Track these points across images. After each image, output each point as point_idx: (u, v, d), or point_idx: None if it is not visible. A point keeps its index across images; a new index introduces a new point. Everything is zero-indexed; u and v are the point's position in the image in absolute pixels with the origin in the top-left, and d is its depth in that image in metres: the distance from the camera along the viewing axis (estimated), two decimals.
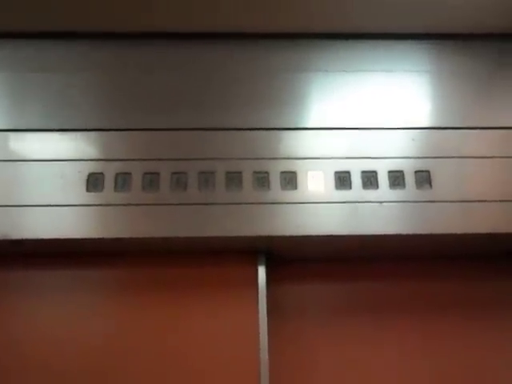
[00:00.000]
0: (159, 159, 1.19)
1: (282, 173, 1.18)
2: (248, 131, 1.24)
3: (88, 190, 1.16)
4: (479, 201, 1.15)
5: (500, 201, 1.16)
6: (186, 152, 1.20)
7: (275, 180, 1.17)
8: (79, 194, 1.16)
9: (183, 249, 1.20)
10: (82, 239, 1.14)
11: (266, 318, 1.14)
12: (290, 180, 1.18)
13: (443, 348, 1.17)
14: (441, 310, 1.21)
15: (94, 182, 1.17)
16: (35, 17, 1.30)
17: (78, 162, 1.19)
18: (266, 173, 1.18)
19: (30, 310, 1.17)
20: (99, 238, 1.13)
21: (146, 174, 1.18)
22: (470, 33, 1.40)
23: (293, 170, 1.19)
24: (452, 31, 1.41)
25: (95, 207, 1.15)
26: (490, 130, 1.24)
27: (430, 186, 1.17)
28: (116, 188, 1.16)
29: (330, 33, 1.40)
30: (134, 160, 1.19)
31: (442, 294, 1.22)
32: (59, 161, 1.20)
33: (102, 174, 1.17)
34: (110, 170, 1.18)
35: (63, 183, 1.17)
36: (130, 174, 1.18)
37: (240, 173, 1.18)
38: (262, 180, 1.18)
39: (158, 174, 1.18)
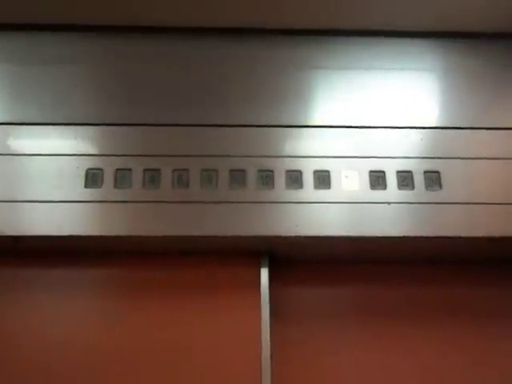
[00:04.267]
0: (160, 155, 1.15)
1: (288, 171, 1.15)
2: (244, 128, 1.20)
3: (86, 186, 1.12)
4: (489, 203, 1.12)
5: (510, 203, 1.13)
6: (187, 148, 1.17)
7: (280, 179, 1.14)
8: (77, 190, 1.12)
9: (184, 248, 1.17)
10: (80, 236, 1.10)
11: (268, 321, 1.10)
12: (295, 179, 1.15)
13: (448, 352, 1.14)
14: (448, 314, 1.17)
15: (92, 177, 1.13)
16: (30, 9, 1.26)
17: (76, 157, 1.15)
18: (271, 171, 1.15)
19: (26, 308, 1.13)
20: (97, 236, 1.10)
21: (146, 170, 1.14)
22: (478, 31, 1.37)
23: (298, 169, 1.15)
24: (461, 29, 1.37)
25: (94, 204, 1.11)
26: (499, 131, 1.21)
27: (440, 187, 1.14)
28: (116, 184, 1.13)
29: (341, 29, 1.36)
30: (134, 156, 1.15)
31: (450, 298, 1.19)
32: (57, 155, 1.16)
33: (101, 169, 1.14)
34: (109, 166, 1.14)
35: (61, 179, 1.13)
36: (130, 170, 1.14)
37: (244, 171, 1.15)
38: (267, 179, 1.14)
39: (158, 170, 1.14)
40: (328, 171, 1.15)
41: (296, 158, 1.16)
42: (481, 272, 1.21)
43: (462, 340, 1.15)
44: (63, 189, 1.12)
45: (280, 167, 1.15)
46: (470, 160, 1.16)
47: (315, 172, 1.15)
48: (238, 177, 1.14)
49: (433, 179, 1.15)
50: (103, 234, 1.10)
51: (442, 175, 1.14)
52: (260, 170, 1.15)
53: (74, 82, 1.24)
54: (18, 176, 1.14)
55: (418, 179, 1.14)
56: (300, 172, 1.15)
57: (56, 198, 1.12)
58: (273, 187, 1.13)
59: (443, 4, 1.27)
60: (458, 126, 1.22)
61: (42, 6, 1.25)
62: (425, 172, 1.15)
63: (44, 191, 1.12)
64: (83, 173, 1.13)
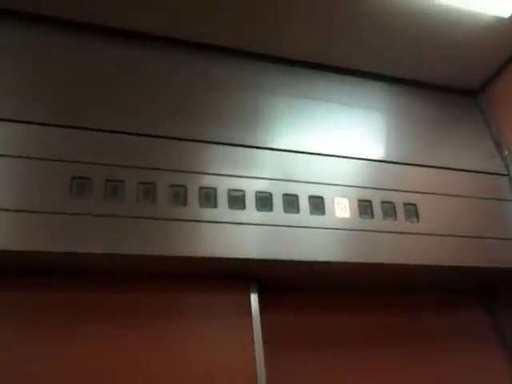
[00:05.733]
0: (156, 169, 1.08)
1: (284, 195, 1.15)
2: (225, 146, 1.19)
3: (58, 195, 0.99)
4: (457, 236, 1.24)
5: (472, 237, 1.26)
6: (185, 165, 1.11)
7: (278, 201, 1.13)
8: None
9: (168, 270, 1.08)
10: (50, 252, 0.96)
11: (262, 347, 1.06)
12: (291, 203, 1.15)
13: (428, 375, 1.21)
14: (431, 340, 1.26)
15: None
16: None
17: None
18: (269, 193, 1.14)
19: None
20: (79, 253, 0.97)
21: (140, 183, 1.05)
22: (428, 82, 1.55)
23: (294, 193, 1.16)
24: (417, 79, 1.54)
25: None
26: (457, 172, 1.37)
27: (418, 218, 1.23)
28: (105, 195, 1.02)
29: (310, 62, 1.44)
30: (126, 167, 1.06)
31: (434, 325, 1.28)
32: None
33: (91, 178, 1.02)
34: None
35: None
36: (123, 181, 1.04)
37: (243, 191, 1.12)
38: (265, 200, 1.13)
39: (154, 184, 1.06)
40: (322, 197, 1.17)
41: (293, 182, 1.17)
42: (451, 299, 1.32)
43: (444, 363, 1.23)
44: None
45: (278, 190, 1.15)
46: (443, 196, 1.28)
47: (310, 197, 1.17)
48: (235, 199, 1.11)
49: (411, 211, 1.24)
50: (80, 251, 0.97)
51: (418, 207, 1.24)
52: (258, 192, 1.13)
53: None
54: None
55: (399, 210, 1.23)
56: (296, 196, 1.16)
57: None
58: (271, 209, 1.12)
59: (401, 54, 1.43)
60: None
61: None
62: (404, 204, 1.24)
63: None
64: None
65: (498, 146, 1.46)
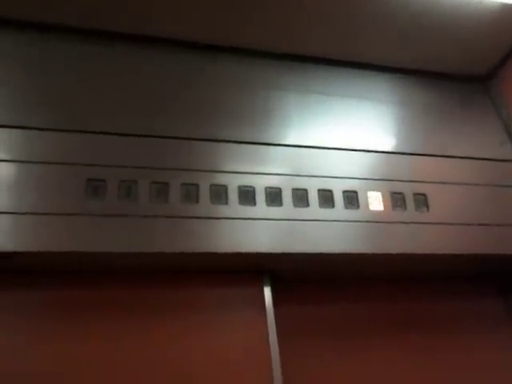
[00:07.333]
0: (169, 168, 1.11)
1: (294, 189, 1.17)
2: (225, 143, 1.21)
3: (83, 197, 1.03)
4: (468, 224, 1.25)
5: (484, 224, 1.27)
6: (196, 163, 1.14)
7: (287, 196, 1.16)
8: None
9: (183, 266, 1.12)
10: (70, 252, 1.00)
11: (276, 340, 1.09)
12: (301, 197, 1.17)
13: (445, 363, 1.23)
14: (447, 327, 1.27)
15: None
16: None
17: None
18: (279, 189, 1.16)
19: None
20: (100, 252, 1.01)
21: (153, 183, 1.09)
22: (436, 71, 1.55)
23: (304, 188, 1.18)
24: (424, 68, 1.54)
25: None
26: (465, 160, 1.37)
27: (427, 208, 1.24)
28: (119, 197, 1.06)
29: (317, 57, 1.45)
30: (138, 168, 1.10)
31: (446, 312, 1.29)
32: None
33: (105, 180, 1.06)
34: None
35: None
36: (136, 181, 1.08)
37: (253, 188, 1.15)
38: (275, 195, 1.15)
39: (166, 183, 1.09)
40: (331, 190, 1.19)
41: (302, 177, 1.19)
42: (465, 287, 1.34)
43: (459, 350, 1.25)
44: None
45: (287, 185, 1.17)
46: (452, 185, 1.29)
47: (319, 191, 1.19)
48: (245, 194, 1.14)
49: (421, 200, 1.25)
50: (101, 250, 1.01)
51: (428, 198, 1.25)
52: (268, 188, 1.16)
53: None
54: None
55: (409, 200, 1.24)
56: (306, 191, 1.18)
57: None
58: (281, 204, 1.15)
59: (408, 44, 1.43)
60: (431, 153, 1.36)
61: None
62: (414, 194, 1.25)
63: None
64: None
65: (509, 132, 1.46)
